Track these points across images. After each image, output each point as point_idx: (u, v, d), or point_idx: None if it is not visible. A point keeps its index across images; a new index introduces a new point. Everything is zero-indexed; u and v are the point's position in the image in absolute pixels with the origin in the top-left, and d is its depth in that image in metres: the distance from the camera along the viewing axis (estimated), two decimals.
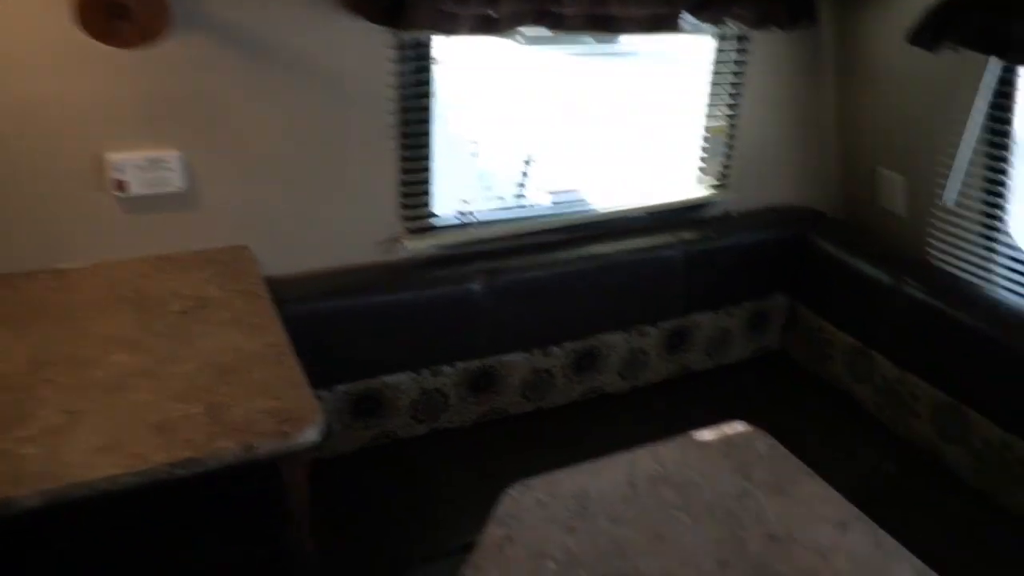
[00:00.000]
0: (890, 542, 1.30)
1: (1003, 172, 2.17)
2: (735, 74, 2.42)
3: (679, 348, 2.44)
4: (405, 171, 2.08)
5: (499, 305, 2.13)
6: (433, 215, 2.17)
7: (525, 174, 2.75)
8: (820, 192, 2.70)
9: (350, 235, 2.07)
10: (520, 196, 2.42)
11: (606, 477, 1.38)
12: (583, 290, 2.25)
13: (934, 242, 2.34)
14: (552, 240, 2.30)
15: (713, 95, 2.46)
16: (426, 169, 2.10)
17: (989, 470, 1.96)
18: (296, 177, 1.96)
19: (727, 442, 1.51)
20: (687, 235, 2.40)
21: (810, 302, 2.52)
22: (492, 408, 2.21)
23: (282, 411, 1.30)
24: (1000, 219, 2.19)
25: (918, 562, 1.25)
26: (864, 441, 2.20)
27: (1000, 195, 2.18)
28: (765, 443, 1.52)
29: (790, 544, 1.26)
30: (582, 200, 2.38)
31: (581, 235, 2.34)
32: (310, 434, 1.26)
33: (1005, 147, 2.15)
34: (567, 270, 2.22)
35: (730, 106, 2.46)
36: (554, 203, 2.36)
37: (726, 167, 2.54)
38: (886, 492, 1.98)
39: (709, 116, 2.49)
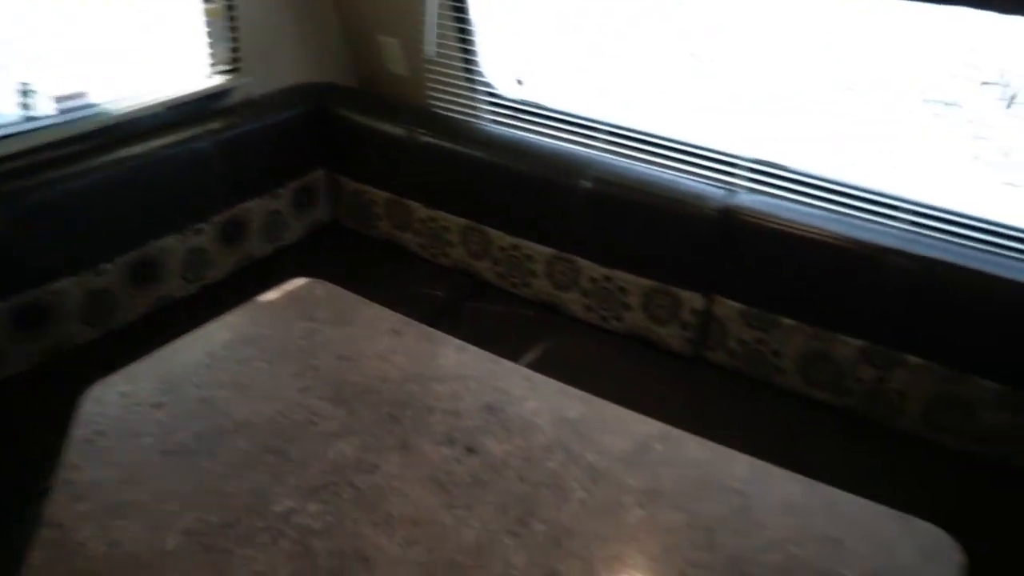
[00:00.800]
0: (439, 335, 1.61)
1: (467, 23, 2.55)
2: None
3: (237, 238, 2.49)
4: None
5: (24, 232, 1.96)
6: None
7: (25, 85, 2.41)
8: (336, 65, 2.87)
9: None
10: (21, 107, 2.17)
11: (184, 354, 1.46)
12: (118, 198, 2.15)
13: (433, 93, 2.70)
14: (69, 152, 2.13)
15: None
16: None
17: (507, 272, 2.43)
18: None
19: (289, 296, 1.67)
20: (213, 125, 2.40)
21: (346, 170, 2.73)
22: (54, 344, 2.06)
23: None
24: (474, 63, 2.61)
25: (459, 342, 1.57)
26: (416, 278, 2.51)
27: (470, 43, 2.58)
28: (324, 289, 1.71)
29: (357, 358, 1.48)
30: (94, 104, 2.23)
31: (100, 142, 2.20)
32: None
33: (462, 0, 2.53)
34: (94, 180, 2.09)
35: None
36: (61, 111, 2.17)
37: (235, 51, 2.55)
38: (437, 310, 2.33)
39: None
